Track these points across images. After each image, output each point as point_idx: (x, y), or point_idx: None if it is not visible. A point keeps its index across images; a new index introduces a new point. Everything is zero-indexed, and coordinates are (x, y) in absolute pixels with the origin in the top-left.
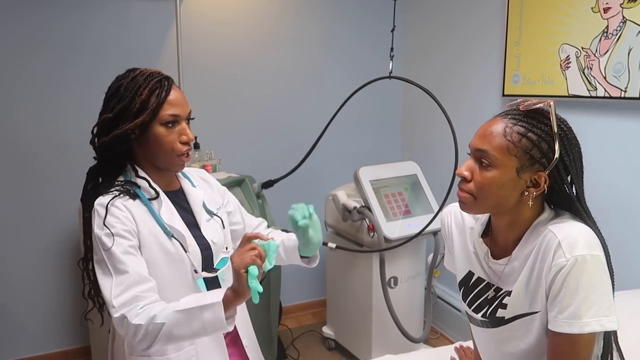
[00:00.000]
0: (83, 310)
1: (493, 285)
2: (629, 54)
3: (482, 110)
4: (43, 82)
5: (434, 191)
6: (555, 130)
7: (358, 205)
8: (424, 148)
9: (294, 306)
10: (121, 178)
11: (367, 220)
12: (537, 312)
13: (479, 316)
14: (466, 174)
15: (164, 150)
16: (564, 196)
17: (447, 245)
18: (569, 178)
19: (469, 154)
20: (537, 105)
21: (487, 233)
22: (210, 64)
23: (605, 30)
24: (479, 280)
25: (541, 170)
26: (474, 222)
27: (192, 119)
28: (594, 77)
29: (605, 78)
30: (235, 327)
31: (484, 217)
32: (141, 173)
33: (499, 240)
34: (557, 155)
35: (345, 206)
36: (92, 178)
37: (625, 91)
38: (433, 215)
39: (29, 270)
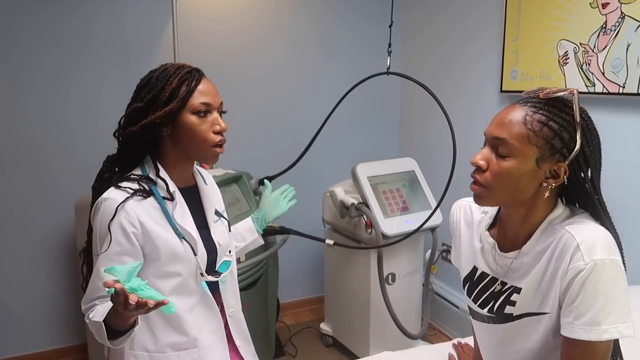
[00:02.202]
0: (79, 307)
1: (498, 279)
2: (627, 49)
3: (480, 106)
4: (34, 79)
5: (432, 187)
6: (578, 119)
7: (356, 202)
8: (422, 144)
9: (292, 303)
10: (138, 172)
11: (364, 216)
12: (546, 314)
13: (484, 311)
14: (482, 163)
15: (197, 140)
16: (581, 189)
17: (454, 239)
18: (588, 171)
19: (484, 145)
20: (559, 94)
21: (494, 225)
22: (208, 61)
23: (604, 25)
24: (483, 275)
25: (561, 160)
26: (483, 215)
27: (225, 112)
28: (592, 73)
29: (603, 74)
30: (228, 327)
31: (492, 210)
32: (162, 173)
33: (509, 233)
34: (578, 145)
35: (343, 203)
36: (110, 168)
37: (623, 87)
38: (431, 211)
39: (26, 267)
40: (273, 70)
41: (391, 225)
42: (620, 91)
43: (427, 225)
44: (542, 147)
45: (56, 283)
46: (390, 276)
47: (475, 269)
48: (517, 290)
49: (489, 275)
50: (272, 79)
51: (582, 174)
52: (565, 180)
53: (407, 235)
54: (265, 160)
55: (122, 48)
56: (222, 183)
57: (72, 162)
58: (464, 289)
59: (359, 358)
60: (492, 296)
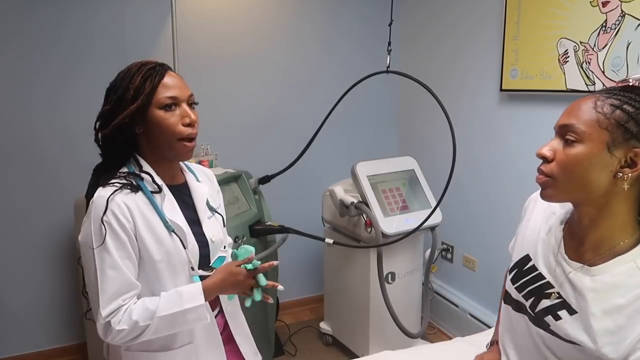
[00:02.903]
0: (80, 306)
1: (545, 278)
2: (627, 48)
3: (480, 105)
4: (34, 78)
5: (432, 186)
6: None
7: (355, 201)
8: (422, 143)
9: (291, 302)
10: (124, 169)
11: (364, 215)
12: (588, 349)
13: (527, 303)
14: (547, 153)
15: (167, 134)
16: None
17: (522, 222)
18: None
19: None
20: (634, 77)
21: (566, 223)
22: (207, 59)
23: (604, 24)
24: (533, 268)
25: (638, 147)
26: (559, 208)
27: (196, 103)
28: (592, 72)
29: (603, 72)
30: (228, 325)
31: (570, 205)
32: (145, 168)
33: (576, 234)
34: None
35: (343, 202)
36: (97, 175)
37: None
38: (431, 210)
39: (26, 266)
40: (272, 69)
41: (391, 224)
42: None
43: (427, 224)
44: (614, 131)
45: (56, 281)
46: (389, 275)
47: (527, 258)
48: (570, 310)
49: (537, 270)
50: (271, 78)
51: None
52: None
53: (407, 234)
54: (265, 159)
55: (121, 47)
56: (222, 182)
57: (72, 160)
58: (509, 274)
59: (358, 357)
60: (536, 290)
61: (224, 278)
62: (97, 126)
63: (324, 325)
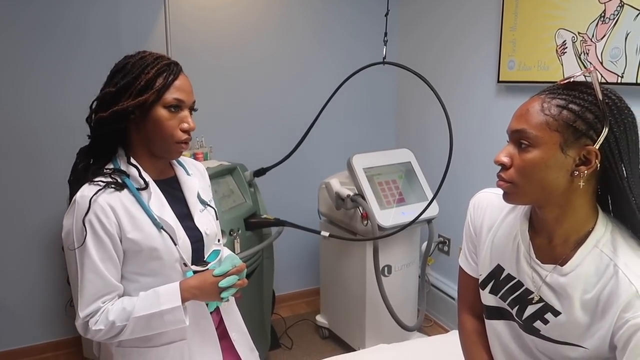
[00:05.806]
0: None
1: (523, 285)
2: (626, 38)
3: (477, 96)
4: (29, 71)
5: (428, 179)
6: (600, 97)
7: (351, 194)
8: (418, 135)
9: (288, 295)
10: (110, 166)
11: (360, 208)
12: (582, 347)
13: (513, 311)
14: (505, 160)
15: (163, 135)
16: (617, 178)
17: (471, 236)
18: (621, 154)
19: (508, 141)
20: (575, 75)
21: (531, 225)
22: (201, 51)
23: (602, 14)
24: (510, 276)
25: (590, 144)
26: (516, 209)
27: (196, 109)
28: (591, 63)
29: (601, 63)
30: (223, 321)
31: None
32: (133, 161)
33: (544, 235)
34: (606, 124)
35: (339, 194)
36: (82, 159)
37: (622, 77)
38: (427, 202)
39: (19, 260)
40: (267, 60)
41: (387, 216)
42: (619, 81)
43: (424, 216)
44: (564, 132)
45: (51, 275)
46: (386, 268)
47: (500, 267)
48: (554, 312)
49: (515, 278)
50: (266, 69)
51: (615, 160)
52: (598, 166)
53: (403, 227)
54: (260, 152)
55: (116, 37)
56: (216, 175)
57: (67, 154)
58: (483, 288)
59: (354, 350)
60: (520, 298)
61: (200, 286)
62: (93, 106)
63: (320, 319)
